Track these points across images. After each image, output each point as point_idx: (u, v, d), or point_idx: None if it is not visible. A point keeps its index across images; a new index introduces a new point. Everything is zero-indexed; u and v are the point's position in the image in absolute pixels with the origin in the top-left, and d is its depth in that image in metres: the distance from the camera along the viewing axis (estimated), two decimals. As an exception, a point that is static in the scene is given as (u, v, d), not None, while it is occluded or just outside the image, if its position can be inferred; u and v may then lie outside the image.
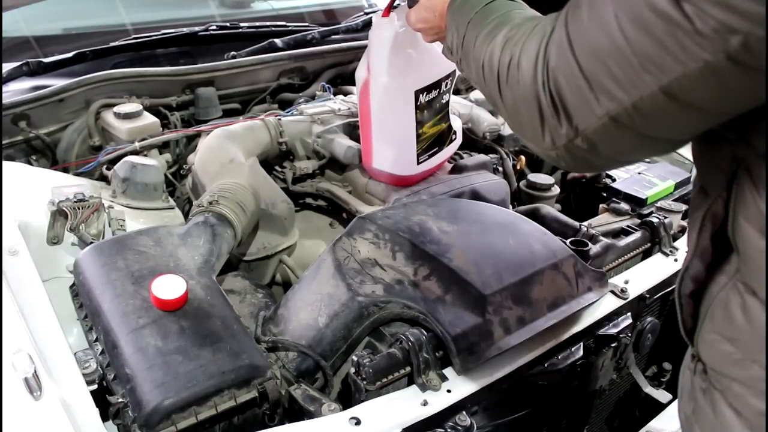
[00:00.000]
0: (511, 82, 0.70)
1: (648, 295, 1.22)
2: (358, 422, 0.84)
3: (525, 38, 0.69)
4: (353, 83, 1.69)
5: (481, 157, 1.55)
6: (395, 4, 1.23)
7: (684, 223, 1.45)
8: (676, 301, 0.76)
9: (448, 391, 0.92)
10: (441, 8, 0.95)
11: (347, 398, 0.95)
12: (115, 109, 1.55)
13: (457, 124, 1.49)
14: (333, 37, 2.05)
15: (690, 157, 1.63)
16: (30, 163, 1.53)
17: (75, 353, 0.89)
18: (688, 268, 0.73)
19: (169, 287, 0.92)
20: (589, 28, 0.59)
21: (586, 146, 0.63)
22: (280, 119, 1.51)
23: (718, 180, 0.65)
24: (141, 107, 1.58)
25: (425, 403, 0.89)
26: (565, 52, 0.61)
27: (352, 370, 0.91)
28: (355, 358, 0.91)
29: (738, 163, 0.62)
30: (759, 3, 0.47)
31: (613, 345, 1.14)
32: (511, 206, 1.51)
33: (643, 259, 1.36)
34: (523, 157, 1.72)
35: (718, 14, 0.49)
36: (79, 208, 1.13)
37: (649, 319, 1.24)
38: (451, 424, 0.90)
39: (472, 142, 1.71)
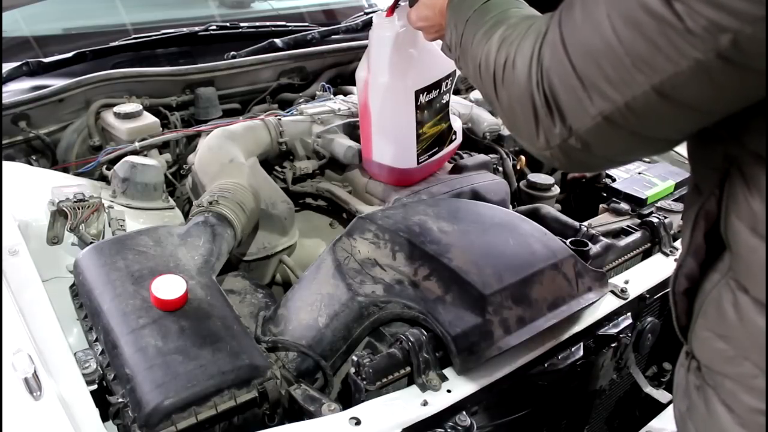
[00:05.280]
0: (506, 82, 0.71)
1: (648, 295, 1.22)
2: (358, 422, 0.84)
3: (520, 38, 0.70)
4: (353, 83, 1.69)
5: (481, 157, 1.55)
6: (397, 4, 1.23)
7: (684, 222, 1.45)
8: (671, 299, 0.76)
9: (448, 391, 0.92)
10: (441, 6, 0.96)
11: (347, 398, 0.95)
12: (115, 109, 1.55)
13: (457, 124, 1.49)
14: (333, 37, 2.05)
15: (690, 157, 1.63)
16: (30, 163, 1.53)
17: (75, 353, 0.89)
18: (681, 265, 0.73)
19: (169, 287, 0.92)
20: (582, 29, 0.59)
21: (580, 146, 0.64)
22: (280, 119, 1.51)
23: (710, 178, 0.66)
24: (141, 107, 1.57)
25: (425, 403, 0.89)
26: (559, 52, 0.62)
27: (352, 370, 0.91)
28: (355, 358, 0.91)
29: (730, 162, 0.63)
30: (748, 1, 0.48)
31: (613, 345, 1.14)
32: (511, 206, 1.51)
33: (643, 259, 1.36)
34: (523, 157, 1.72)
35: (708, 13, 0.49)
36: (79, 208, 1.13)
37: (649, 319, 1.24)
38: (451, 424, 0.90)
39: (472, 142, 1.71)
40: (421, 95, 1.29)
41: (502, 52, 0.72)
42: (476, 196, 1.37)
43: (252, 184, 1.27)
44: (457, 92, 1.94)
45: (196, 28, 1.89)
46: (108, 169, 1.43)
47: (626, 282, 1.20)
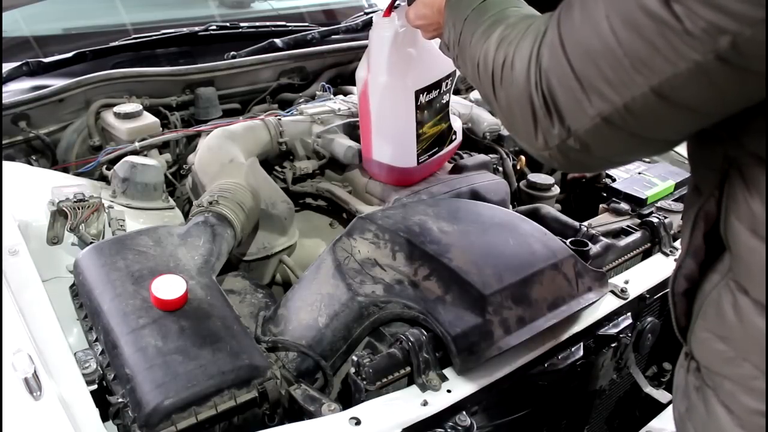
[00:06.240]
0: (504, 83, 0.70)
1: (648, 295, 1.22)
2: (358, 422, 0.84)
3: (519, 38, 0.69)
4: (353, 83, 1.69)
5: (481, 157, 1.55)
6: (396, 4, 1.23)
7: (685, 223, 1.45)
8: (670, 300, 0.76)
9: (448, 391, 0.92)
10: (439, 4, 0.96)
11: (347, 398, 0.95)
12: (115, 109, 1.55)
13: (457, 124, 1.49)
14: (333, 37, 2.05)
15: (690, 157, 1.64)
16: (30, 163, 1.53)
17: (75, 353, 0.89)
18: (681, 266, 0.73)
19: (169, 287, 0.92)
20: (581, 29, 0.59)
21: (578, 147, 0.64)
22: (280, 119, 1.51)
23: (710, 179, 0.66)
24: (141, 107, 1.58)
25: (425, 403, 0.89)
26: (558, 52, 0.61)
27: (352, 370, 0.91)
28: (355, 358, 0.91)
29: (730, 163, 0.63)
30: (747, 4, 0.48)
31: (613, 345, 1.14)
32: (511, 206, 1.51)
33: (643, 259, 1.36)
34: (523, 157, 1.72)
35: (707, 14, 0.49)
36: (79, 208, 1.13)
37: (649, 319, 1.24)
38: (451, 424, 0.90)
39: (472, 142, 1.71)
40: (421, 95, 1.29)
41: (500, 52, 0.72)
42: (476, 196, 1.37)
43: (252, 184, 1.27)
44: (457, 92, 1.94)
45: (196, 28, 1.89)
46: (108, 169, 1.43)
47: (626, 282, 1.20)
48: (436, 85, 1.32)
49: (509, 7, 0.80)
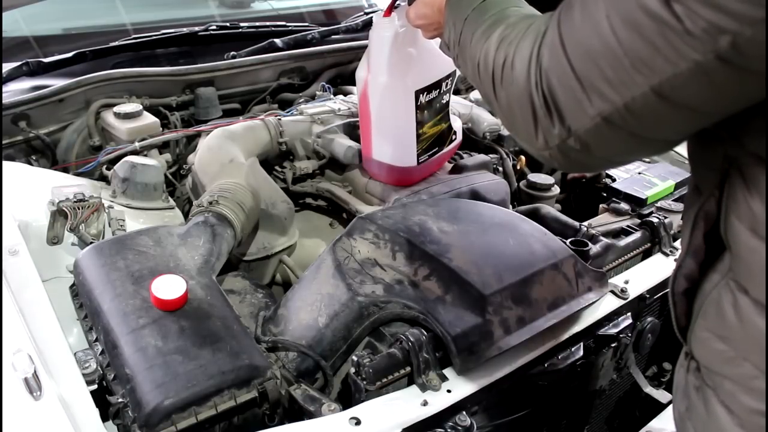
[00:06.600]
0: (505, 82, 0.71)
1: (648, 295, 1.22)
2: (358, 422, 0.84)
3: (519, 38, 0.69)
4: (353, 83, 1.69)
5: (481, 157, 1.55)
6: (396, 3, 1.23)
7: (685, 223, 1.45)
8: (670, 300, 0.76)
9: (448, 391, 0.92)
10: (440, 4, 0.96)
11: (347, 398, 0.95)
12: (115, 109, 1.55)
13: (457, 124, 1.49)
14: (333, 37, 2.06)
15: (690, 157, 1.64)
16: (30, 163, 1.53)
17: (75, 353, 0.89)
18: (681, 266, 0.73)
19: (169, 287, 0.92)
20: (581, 29, 0.59)
21: (578, 146, 0.64)
22: (280, 119, 1.51)
23: (710, 179, 0.66)
24: (141, 107, 1.58)
25: (425, 403, 0.89)
26: (558, 52, 0.62)
27: (352, 370, 0.91)
28: (355, 358, 0.91)
29: (730, 163, 0.63)
30: (748, 3, 0.48)
31: (613, 345, 1.15)
32: (511, 206, 1.51)
33: (643, 259, 1.36)
34: (523, 157, 1.72)
35: (707, 14, 0.49)
36: (79, 208, 1.13)
37: (649, 319, 1.24)
38: (451, 424, 0.90)
39: (472, 142, 1.71)
40: (421, 95, 1.29)
41: (500, 52, 0.72)
42: (476, 196, 1.37)
43: (252, 184, 1.27)
44: (457, 92, 1.94)
45: (196, 28, 1.89)
46: (108, 169, 1.43)
47: (626, 282, 1.20)
48: (436, 85, 1.32)
49: (510, 6, 0.80)
